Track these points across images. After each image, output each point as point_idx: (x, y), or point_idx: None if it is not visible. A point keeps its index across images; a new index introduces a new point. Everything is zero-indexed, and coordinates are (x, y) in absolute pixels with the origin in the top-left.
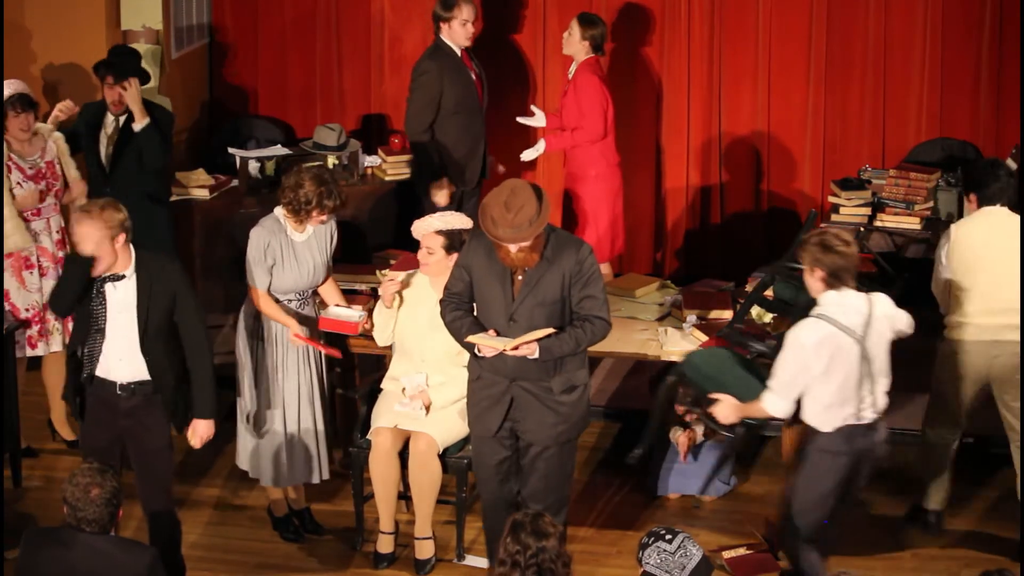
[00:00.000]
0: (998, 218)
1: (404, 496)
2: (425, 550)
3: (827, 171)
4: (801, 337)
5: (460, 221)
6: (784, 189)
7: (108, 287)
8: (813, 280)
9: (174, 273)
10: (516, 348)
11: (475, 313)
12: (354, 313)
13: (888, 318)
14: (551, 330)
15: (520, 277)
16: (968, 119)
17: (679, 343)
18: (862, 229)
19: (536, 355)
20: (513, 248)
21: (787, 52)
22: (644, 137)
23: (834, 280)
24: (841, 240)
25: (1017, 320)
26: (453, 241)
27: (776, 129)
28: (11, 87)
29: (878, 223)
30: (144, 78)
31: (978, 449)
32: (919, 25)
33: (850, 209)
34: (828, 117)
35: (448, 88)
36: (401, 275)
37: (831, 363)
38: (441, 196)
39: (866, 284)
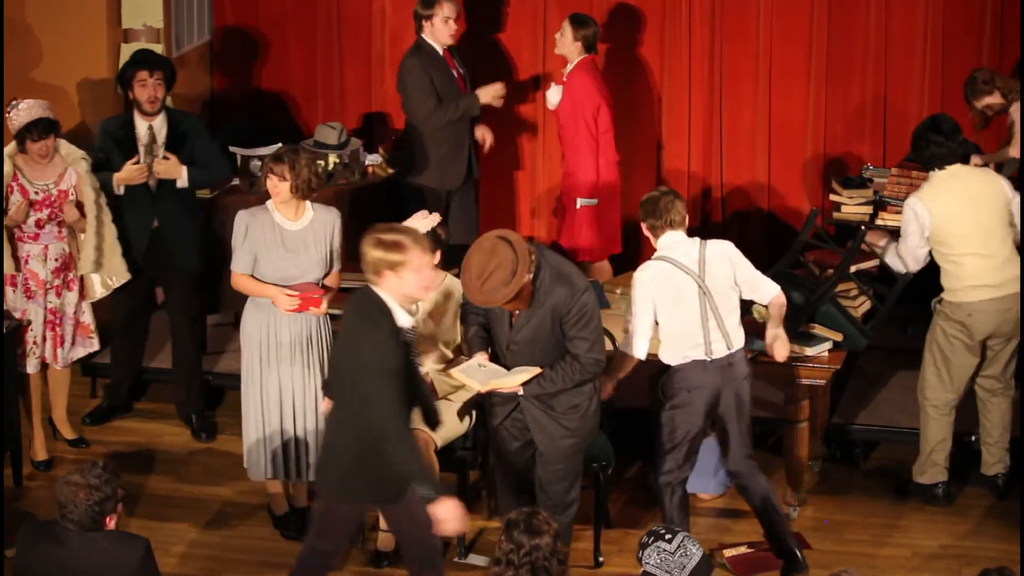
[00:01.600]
0: (959, 179)
1: None
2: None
3: (828, 170)
4: (639, 275)
5: (432, 219)
6: (785, 188)
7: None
8: (646, 232)
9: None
10: (494, 389)
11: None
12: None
13: (725, 258)
14: (536, 371)
15: (517, 312)
16: (969, 118)
17: None
18: (863, 227)
19: (521, 393)
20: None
21: (788, 51)
22: (645, 136)
23: (652, 229)
24: (658, 192)
25: (1015, 271)
26: (436, 238)
27: (777, 128)
28: (30, 111)
29: (879, 221)
30: (173, 75)
31: (977, 448)
32: (920, 24)
33: (851, 207)
34: (829, 116)
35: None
36: None
37: (669, 297)
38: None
39: (867, 283)
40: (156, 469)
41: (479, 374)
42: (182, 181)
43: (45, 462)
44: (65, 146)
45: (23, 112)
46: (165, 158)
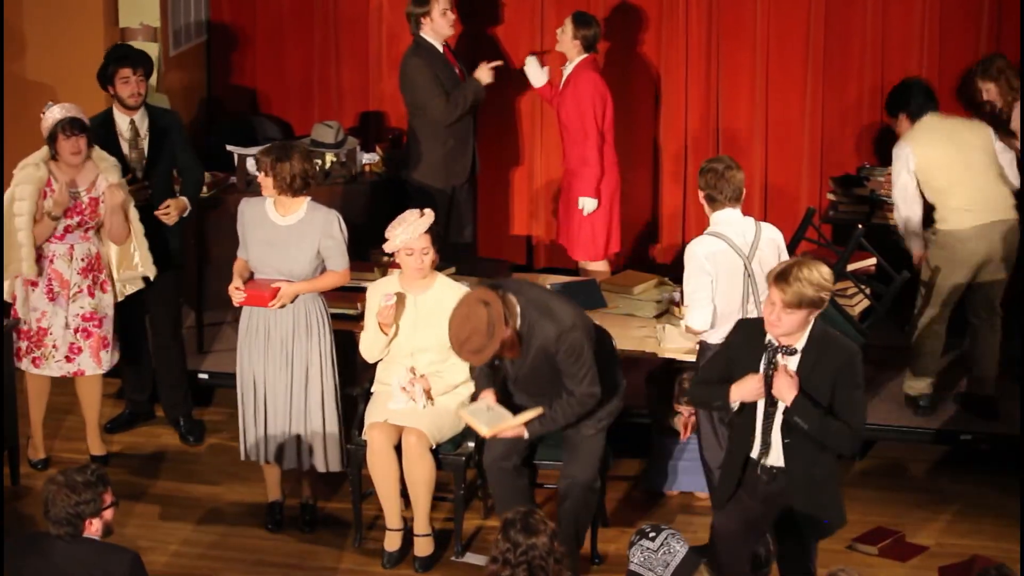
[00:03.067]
0: (942, 123)
1: (404, 493)
2: (424, 547)
3: (825, 169)
4: (694, 248)
5: (429, 216)
6: (782, 186)
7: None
8: (702, 200)
9: (841, 352)
10: (498, 433)
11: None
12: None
13: (775, 245)
14: (539, 411)
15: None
16: (966, 116)
17: (677, 340)
18: (860, 226)
19: (525, 436)
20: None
21: (785, 49)
22: (642, 134)
23: (710, 200)
24: (721, 163)
25: (1004, 200)
26: (436, 234)
27: (774, 126)
28: (63, 111)
29: (876, 220)
30: (152, 69)
31: (976, 447)
32: (917, 22)
33: (848, 207)
34: (826, 114)
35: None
36: (390, 296)
37: (720, 274)
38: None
39: (864, 282)
40: (153, 468)
41: (485, 416)
42: (187, 211)
43: (42, 461)
44: (97, 152)
45: (57, 111)
46: (166, 207)
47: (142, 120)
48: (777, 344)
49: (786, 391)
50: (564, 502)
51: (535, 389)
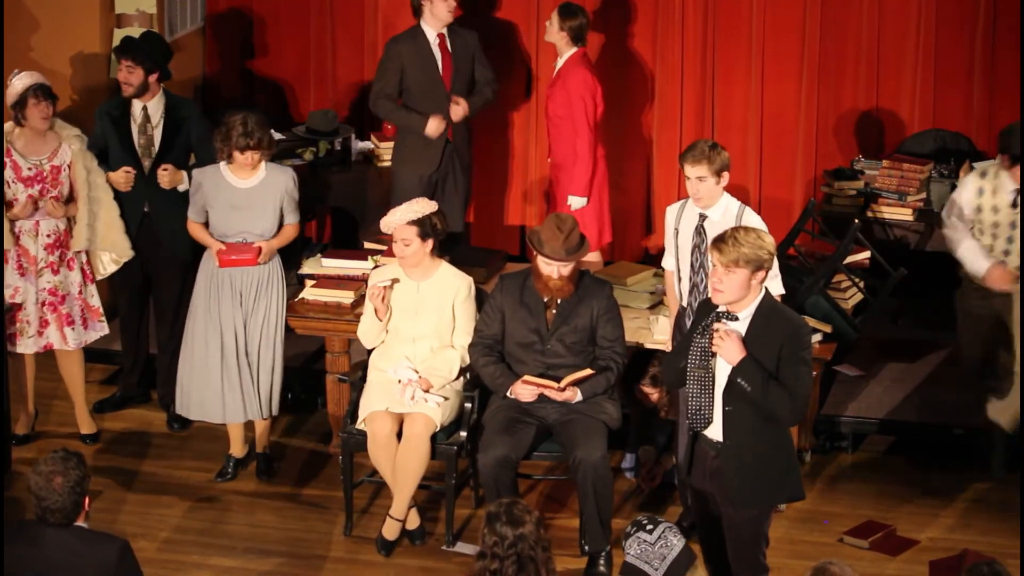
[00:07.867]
0: None
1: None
2: (394, 531)
3: (820, 162)
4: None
5: (427, 207)
6: (777, 179)
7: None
8: (724, 181)
9: (787, 324)
10: (562, 389)
11: (506, 347)
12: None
13: None
14: (590, 372)
15: (553, 311)
16: (961, 110)
17: (669, 331)
18: (856, 221)
19: (579, 398)
20: (555, 274)
21: (781, 42)
22: (637, 127)
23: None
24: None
25: None
26: (425, 228)
27: (769, 119)
28: (31, 77)
29: (871, 214)
30: (163, 70)
31: (970, 443)
32: (913, 16)
33: (842, 200)
34: (821, 107)
35: (408, 71)
36: (384, 280)
37: None
38: (432, 128)
39: (858, 276)
40: (144, 454)
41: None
42: (183, 186)
43: (23, 436)
44: (59, 123)
45: (25, 77)
46: (164, 170)
47: (156, 107)
48: (722, 311)
49: (733, 352)
50: (581, 486)
51: (568, 352)
